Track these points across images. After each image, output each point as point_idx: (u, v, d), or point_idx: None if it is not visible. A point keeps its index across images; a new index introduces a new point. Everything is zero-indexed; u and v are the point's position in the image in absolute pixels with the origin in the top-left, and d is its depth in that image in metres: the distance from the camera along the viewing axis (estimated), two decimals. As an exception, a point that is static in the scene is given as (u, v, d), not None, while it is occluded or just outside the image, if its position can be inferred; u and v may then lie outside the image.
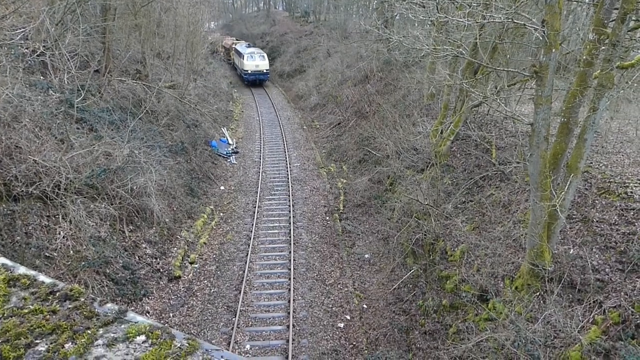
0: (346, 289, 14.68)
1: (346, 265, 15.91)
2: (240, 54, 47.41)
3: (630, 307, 8.13)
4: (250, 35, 64.90)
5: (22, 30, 12.68)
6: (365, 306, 13.98)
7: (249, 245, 16.75)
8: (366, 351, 12.16)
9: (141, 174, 14.70)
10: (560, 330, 8.57)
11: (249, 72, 44.93)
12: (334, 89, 34.34)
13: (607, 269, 9.16)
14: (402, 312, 13.10)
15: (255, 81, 45.44)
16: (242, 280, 14.72)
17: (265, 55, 46.13)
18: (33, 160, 11.62)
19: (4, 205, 10.64)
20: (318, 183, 22.56)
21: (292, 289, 14.35)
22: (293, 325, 12.86)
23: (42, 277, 2.00)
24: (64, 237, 11.54)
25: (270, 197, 21.09)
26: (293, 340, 12.31)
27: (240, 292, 14.10)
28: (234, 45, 53.49)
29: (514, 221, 11.96)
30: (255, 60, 44.79)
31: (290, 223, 18.44)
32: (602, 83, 8.47)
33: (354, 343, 12.53)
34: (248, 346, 12.14)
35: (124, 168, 14.38)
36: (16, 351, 1.61)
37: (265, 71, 45.37)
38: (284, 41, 57.49)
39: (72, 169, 12.19)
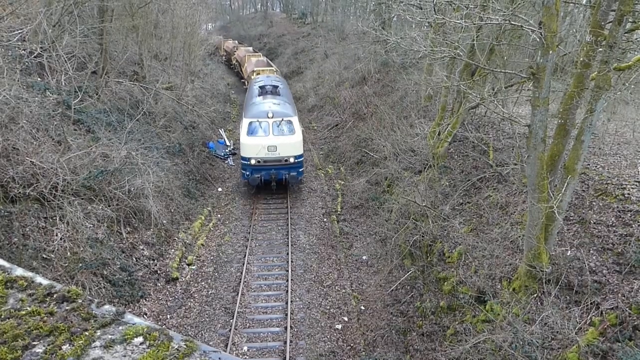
0: (344, 291, 14.67)
1: (344, 267, 15.91)
2: (247, 104, 22.60)
3: (627, 309, 8.14)
4: (247, 37, 64.87)
5: (20, 31, 12.65)
6: (362, 308, 13.98)
7: (246, 247, 16.73)
8: (364, 353, 12.15)
9: (138, 175, 14.67)
10: (557, 331, 8.57)
11: (252, 162, 19.63)
12: (331, 90, 34.34)
13: (604, 271, 9.18)
14: (399, 313, 13.10)
15: (267, 181, 19.95)
16: (240, 281, 14.70)
17: (295, 119, 20.74)
18: (30, 161, 11.59)
19: (1, 207, 10.61)
20: (316, 184, 22.55)
21: (289, 290, 14.33)
22: (291, 326, 12.84)
23: (39, 279, 2.00)
24: (61, 239, 11.51)
25: (268, 198, 21.07)
26: (291, 342, 12.29)
27: (237, 294, 14.08)
28: (254, 75, 31.52)
29: (512, 223, 11.98)
30: (267, 136, 19.73)
31: (287, 224, 18.42)
32: (599, 85, 8.50)
33: (352, 345, 12.52)
34: (245, 348, 12.12)
35: (122, 169, 14.35)
36: (13, 353, 1.60)
37: (293, 161, 19.84)
38: (282, 43, 57.49)
39: (69, 170, 12.16)
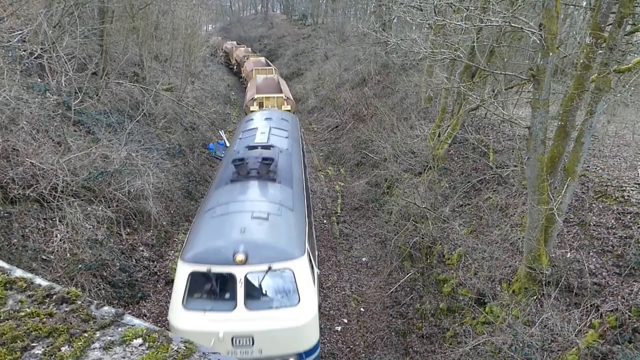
0: (344, 292, 14.65)
1: (343, 269, 15.89)
2: (199, 216, 9.71)
3: (627, 311, 8.14)
4: (248, 38, 64.91)
5: (20, 32, 12.66)
6: (362, 309, 13.96)
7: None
8: (363, 355, 12.13)
9: (138, 176, 14.65)
10: (557, 334, 8.57)
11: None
12: (331, 92, 34.37)
13: (604, 273, 9.18)
14: (399, 315, 13.09)
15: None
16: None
17: (303, 262, 7.64)
18: (30, 162, 11.59)
19: (0, 208, 10.60)
20: (316, 186, 22.54)
21: (289, 292, 14.24)
22: (290, 328, 12.74)
23: (38, 280, 2.00)
24: (60, 240, 11.50)
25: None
26: (290, 343, 12.19)
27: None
28: (254, 105, 21.73)
29: (511, 225, 11.98)
30: (230, 311, 7.37)
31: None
32: (599, 87, 8.51)
33: (351, 346, 12.50)
34: (245, 349, 11.99)
35: (122, 171, 14.34)
36: (12, 354, 1.60)
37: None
38: (282, 44, 57.56)
39: (69, 171, 12.15)
